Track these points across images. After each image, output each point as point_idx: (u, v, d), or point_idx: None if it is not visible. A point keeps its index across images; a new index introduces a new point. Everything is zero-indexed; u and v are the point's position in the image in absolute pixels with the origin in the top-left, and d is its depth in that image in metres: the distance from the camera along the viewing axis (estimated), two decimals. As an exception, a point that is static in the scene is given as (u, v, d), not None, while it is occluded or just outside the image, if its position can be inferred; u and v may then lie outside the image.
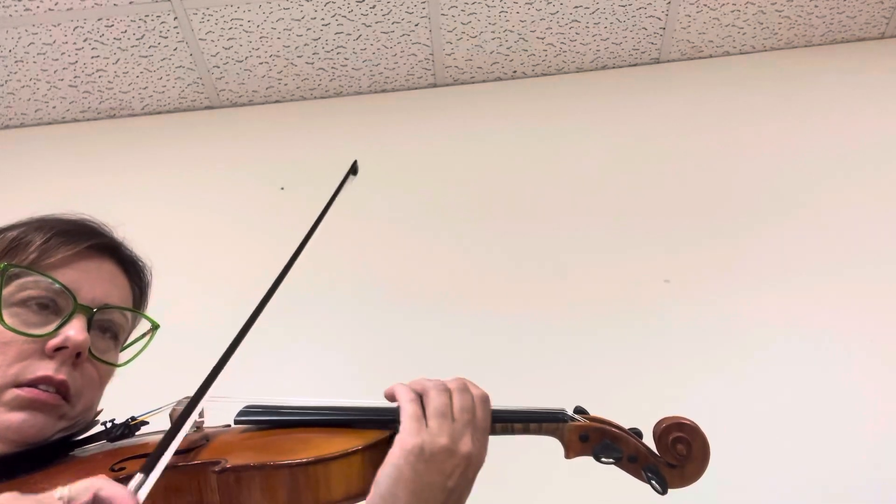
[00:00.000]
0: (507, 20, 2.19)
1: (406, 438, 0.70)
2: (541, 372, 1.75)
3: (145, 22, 2.14)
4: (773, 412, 1.65)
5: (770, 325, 1.77)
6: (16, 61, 2.21)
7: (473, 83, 2.35)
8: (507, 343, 1.81)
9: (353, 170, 0.91)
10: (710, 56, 2.30)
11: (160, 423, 0.83)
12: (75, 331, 0.77)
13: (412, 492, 0.68)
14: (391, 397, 0.76)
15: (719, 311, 1.81)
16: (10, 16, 2.09)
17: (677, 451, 0.75)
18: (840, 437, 1.60)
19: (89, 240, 0.84)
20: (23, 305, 0.78)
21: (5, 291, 0.77)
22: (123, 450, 0.76)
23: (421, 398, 0.75)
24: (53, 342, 0.76)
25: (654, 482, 0.75)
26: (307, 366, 1.85)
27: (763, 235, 1.92)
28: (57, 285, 0.79)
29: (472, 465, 0.73)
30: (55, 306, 0.79)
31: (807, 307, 1.79)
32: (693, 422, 0.76)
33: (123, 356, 0.87)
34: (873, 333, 1.73)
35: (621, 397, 1.67)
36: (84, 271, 0.82)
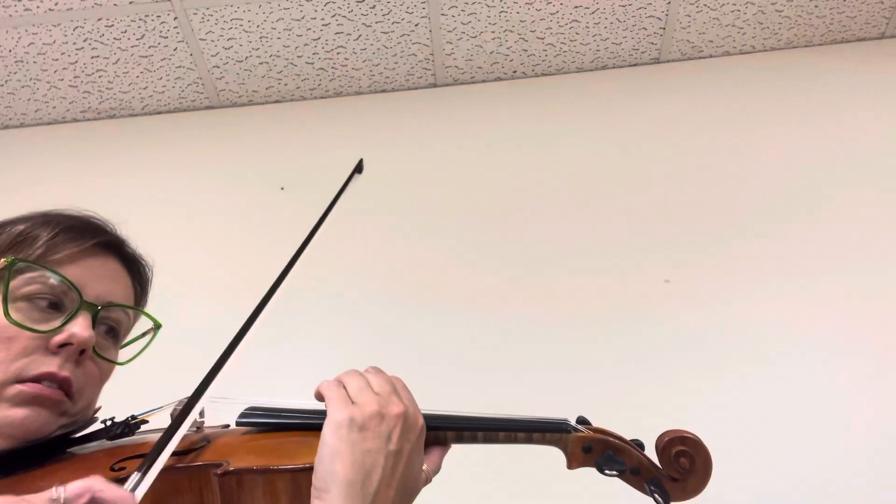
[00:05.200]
0: (507, 20, 2.19)
1: (335, 414, 0.69)
2: (540, 371, 1.76)
3: (145, 22, 2.14)
4: (772, 413, 1.65)
5: (770, 325, 1.77)
6: (16, 61, 2.21)
7: (473, 83, 2.35)
8: (506, 342, 1.82)
9: (359, 168, 0.90)
10: (710, 56, 2.30)
11: (160, 422, 0.82)
12: (80, 328, 0.77)
13: (352, 463, 0.66)
14: (319, 396, 0.74)
15: (719, 310, 1.81)
16: (10, 16, 2.09)
17: (680, 465, 0.75)
18: (840, 440, 1.60)
19: (95, 237, 0.84)
20: (28, 300, 0.77)
21: (11, 285, 0.77)
22: (123, 449, 0.75)
23: (344, 387, 0.74)
24: (58, 338, 0.76)
25: (656, 495, 0.75)
26: (306, 365, 1.85)
27: (763, 234, 1.92)
28: (64, 282, 0.78)
29: (408, 423, 0.71)
30: (60, 303, 0.79)
31: (807, 307, 1.79)
32: (696, 435, 0.76)
33: (123, 354, 0.87)
34: (875, 336, 1.73)
35: (620, 397, 1.68)
36: (89, 268, 0.82)
